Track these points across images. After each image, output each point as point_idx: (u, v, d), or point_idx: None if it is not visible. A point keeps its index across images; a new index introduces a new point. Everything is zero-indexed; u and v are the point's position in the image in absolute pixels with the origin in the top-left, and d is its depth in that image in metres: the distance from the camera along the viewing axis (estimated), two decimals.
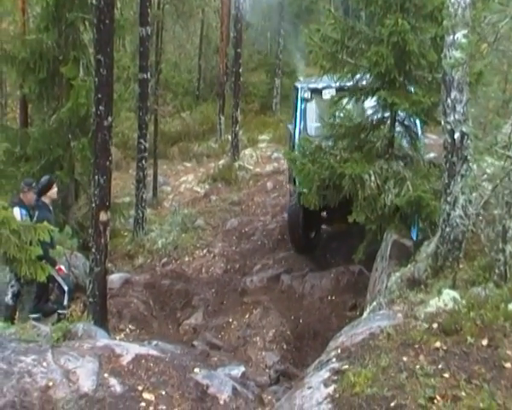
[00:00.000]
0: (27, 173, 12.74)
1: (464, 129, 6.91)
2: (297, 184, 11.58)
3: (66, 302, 9.47)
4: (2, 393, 5.33)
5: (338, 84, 11.36)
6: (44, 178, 10.22)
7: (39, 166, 12.99)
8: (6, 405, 5.24)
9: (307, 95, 12.51)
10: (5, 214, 8.02)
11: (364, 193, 9.32)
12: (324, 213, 12.34)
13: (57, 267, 9.53)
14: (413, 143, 10.16)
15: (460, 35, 6.80)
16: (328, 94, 11.72)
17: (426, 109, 9.37)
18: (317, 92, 12.29)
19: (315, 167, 9.80)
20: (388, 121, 10.07)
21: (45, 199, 9.74)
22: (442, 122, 7.15)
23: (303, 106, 12.58)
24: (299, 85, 13.17)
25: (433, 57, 9.17)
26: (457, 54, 6.77)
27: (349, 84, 10.88)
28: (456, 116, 6.93)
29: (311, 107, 12.61)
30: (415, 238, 9.77)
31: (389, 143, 9.91)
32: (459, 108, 6.94)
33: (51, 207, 9.98)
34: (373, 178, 9.36)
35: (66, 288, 9.58)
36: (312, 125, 12.43)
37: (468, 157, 6.93)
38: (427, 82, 9.67)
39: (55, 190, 10.11)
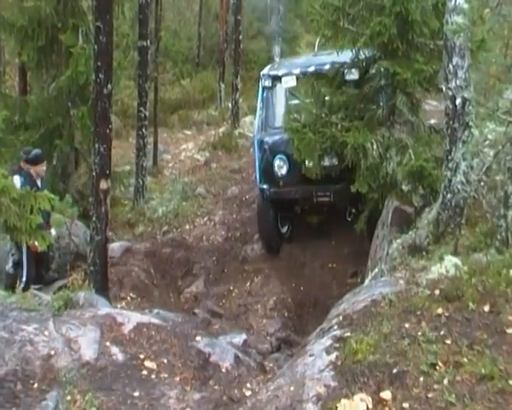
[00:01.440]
0: (27, 142, 12.67)
1: (466, 95, 6.86)
2: (258, 179, 11.45)
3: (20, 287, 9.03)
4: (4, 361, 5.35)
5: (300, 70, 11.22)
6: (35, 152, 10.16)
7: (39, 134, 12.94)
8: (8, 373, 5.27)
9: (268, 83, 11.74)
10: (5, 183, 7.98)
11: (367, 162, 9.28)
12: (297, 207, 11.63)
13: (30, 243, 9.40)
14: (414, 110, 10.08)
15: (462, 0, 6.72)
16: (287, 82, 11.25)
17: (428, 77, 9.29)
18: (278, 79, 11.60)
19: (316, 137, 9.72)
20: (389, 89, 9.97)
21: (32, 171, 9.73)
22: (443, 88, 7.10)
23: (264, 95, 11.84)
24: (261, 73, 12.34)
25: (435, 24, 9.06)
26: (459, 19, 6.70)
27: (311, 69, 10.86)
28: (458, 82, 6.87)
29: (273, 95, 11.90)
30: None
31: (390, 111, 9.83)
32: (461, 73, 6.87)
33: (39, 182, 9.87)
34: (375, 146, 9.32)
35: (24, 277, 9.53)
36: (275, 115, 11.77)
37: (470, 123, 6.88)
38: (429, 49, 9.56)
39: (43, 167, 10.11)
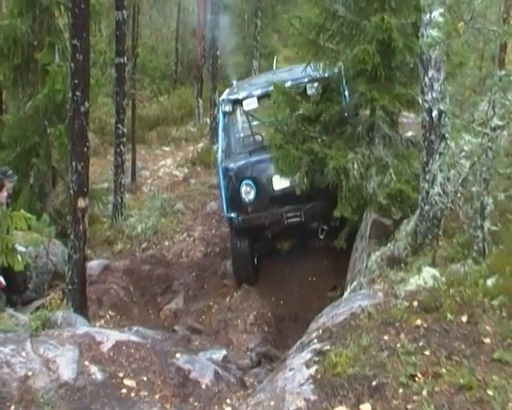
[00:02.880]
0: (3, 161, 12.60)
1: (442, 107, 6.92)
2: (225, 208, 11.11)
3: None
4: None
5: (260, 91, 11.05)
6: None
7: (15, 153, 12.89)
8: None
9: (229, 108, 11.37)
10: None
11: (349, 184, 9.25)
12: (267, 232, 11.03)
13: None
14: (393, 125, 10.12)
15: (436, 14, 6.79)
16: (248, 105, 11.04)
17: (409, 100, 9.31)
18: (238, 103, 11.35)
19: (299, 153, 9.67)
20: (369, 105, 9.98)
21: None
22: (420, 100, 7.16)
23: (226, 120, 11.48)
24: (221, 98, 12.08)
25: (415, 44, 9.08)
26: (434, 32, 6.76)
27: (271, 88, 10.46)
28: (434, 94, 6.94)
29: (235, 120, 11.75)
30: None
31: (369, 128, 9.83)
32: (436, 86, 6.94)
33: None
34: (356, 166, 9.28)
35: None
36: (238, 140, 11.62)
37: (446, 135, 6.94)
38: (409, 68, 9.60)
39: (4, 194, 9.68)
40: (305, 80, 10.23)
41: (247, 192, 10.59)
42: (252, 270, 11.29)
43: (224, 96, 11.87)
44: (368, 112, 9.78)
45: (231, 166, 10.95)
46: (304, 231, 10.78)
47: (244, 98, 11.08)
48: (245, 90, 11.57)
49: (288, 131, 10.01)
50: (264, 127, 11.47)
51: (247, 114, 11.53)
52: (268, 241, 11.36)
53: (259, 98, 11.03)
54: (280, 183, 10.32)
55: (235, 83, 12.89)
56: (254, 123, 11.87)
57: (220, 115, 11.60)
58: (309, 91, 10.19)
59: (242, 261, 11.18)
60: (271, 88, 10.45)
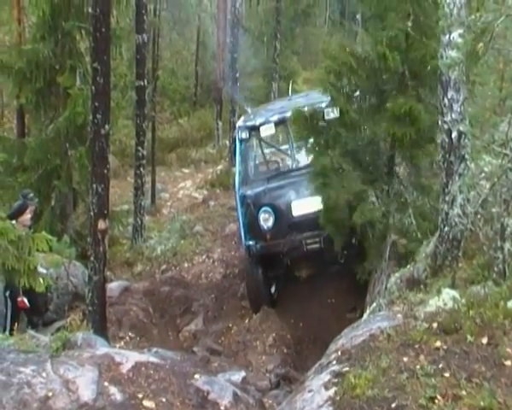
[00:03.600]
0: (25, 183, 12.74)
1: (461, 128, 6.91)
2: (243, 236, 10.95)
3: None
4: (1, 405, 5.30)
5: (277, 116, 10.98)
6: (17, 203, 10.10)
7: (37, 175, 13.01)
8: None
9: (245, 134, 11.21)
10: (3, 225, 8.01)
11: (374, 239, 9.09)
12: (287, 262, 11.10)
13: (19, 299, 9.40)
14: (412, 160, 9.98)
15: (456, 34, 6.81)
16: (265, 131, 10.94)
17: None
18: (255, 130, 11.22)
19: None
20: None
21: (17, 225, 9.32)
22: (439, 122, 7.15)
23: (242, 147, 11.37)
24: (237, 125, 11.96)
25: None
26: (453, 53, 6.78)
27: (289, 114, 10.35)
28: (454, 115, 6.94)
29: (252, 146, 11.68)
30: None
31: (389, 160, 9.69)
32: (456, 107, 6.94)
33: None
34: (377, 214, 9.01)
35: (8, 326, 9.28)
36: (256, 166, 11.56)
37: (466, 156, 6.93)
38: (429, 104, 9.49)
39: (28, 216, 9.92)
40: (323, 105, 10.10)
41: (266, 219, 10.49)
42: (267, 299, 11.09)
43: (239, 122, 11.83)
44: (387, 145, 9.68)
45: (249, 193, 10.86)
46: (323, 256, 10.64)
47: (261, 124, 11.00)
48: (261, 116, 11.49)
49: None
50: (280, 153, 11.61)
51: (263, 140, 11.51)
52: (285, 269, 11.24)
53: (276, 124, 10.96)
54: (299, 209, 10.29)
55: (249, 110, 12.87)
56: (271, 149, 11.98)
57: (237, 142, 11.45)
58: (326, 116, 9.99)
59: (257, 291, 11.04)
60: (288, 114, 10.43)
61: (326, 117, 9.97)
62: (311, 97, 11.12)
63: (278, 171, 11.30)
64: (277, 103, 12.81)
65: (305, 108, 10.20)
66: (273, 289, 11.38)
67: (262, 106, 14.32)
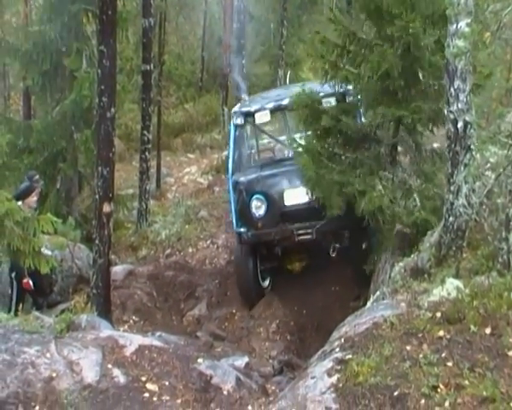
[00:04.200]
0: (30, 165, 12.80)
1: (467, 118, 6.88)
2: (234, 222, 10.84)
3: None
4: (5, 384, 5.36)
5: (273, 104, 10.83)
6: (24, 185, 10.12)
7: (42, 158, 13.09)
8: (9, 396, 5.29)
9: (240, 120, 11.07)
10: (9, 206, 8.05)
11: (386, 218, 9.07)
12: (277, 249, 10.79)
13: (25, 281, 9.45)
14: (416, 143, 9.98)
15: (463, 24, 6.76)
16: (261, 117, 10.80)
17: (430, 116, 9.18)
18: (250, 116, 11.03)
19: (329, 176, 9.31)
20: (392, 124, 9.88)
21: (23, 206, 9.41)
22: (445, 112, 7.13)
23: (237, 133, 11.15)
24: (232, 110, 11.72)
25: (440, 62, 8.99)
26: (460, 43, 6.73)
27: (285, 102, 10.45)
28: (460, 105, 6.90)
29: (247, 133, 11.33)
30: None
31: (392, 147, 9.71)
32: (462, 97, 6.91)
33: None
34: (385, 200, 9.00)
35: (13, 307, 9.35)
36: (250, 153, 11.30)
37: (472, 146, 6.90)
38: (433, 90, 9.49)
39: (34, 198, 9.94)
40: (321, 95, 10.02)
41: (258, 207, 10.31)
42: (257, 292, 10.89)
43: (235, 108, 11.64)
44: (390, 131, 9.67)
45: (242, 179, 10.71)
46: (314, 248, 10.55)
47: (256, 111, 10.89)
48: (257, 103, 11.37)
49: (313, 148, 9.85)
50: (275, 141, 11.37)
51: (258, 127, 11.24)
52: (278, 261, 11.04)
53: (272, 111, 10.84)
54: (291, 198, 10.13)
55: (246, 98, 12.79)
56: (266, 136, 11.69)
57: (231, 127, 11.32)
58: (324, 105, 9.99)
59: (248, 284, 10.85)
60: (285, 102, 10.45)
61: (324, 105, 9.95)
62: (309, 87, 10.80)
63: (272, 159, 11.13)
64: (274, 91, 12.59)
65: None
66: (266, 283, 11.14)
67: (259, 93, 14.10)
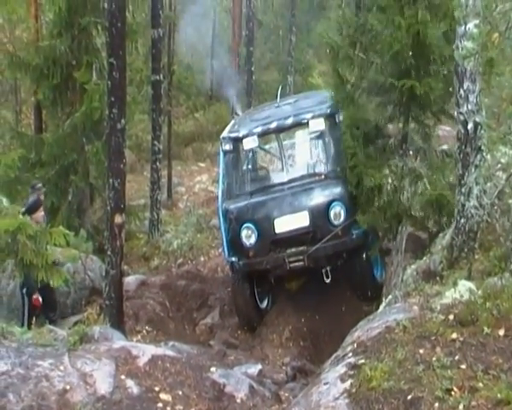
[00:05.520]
0: (43, 179, 12.83)
1: (477, 119, 6.88)
2: (225, 251, 10.51)
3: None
4: (20, 397, 5.36)
5: (261, 128, 10.39)
6: (32, 199, 10.14)
7: (54, 171, 13.10)
8: (24, 409, 5.27)
9: (229, 146, 10.59)
10: (21, 220, 8.10)
11: (380, 201, 9.15)
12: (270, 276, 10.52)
13: (34, 297, 9.45)
14: (426, 137, 10.00)
15: (471, 25, 6.77)
16: (248, 143, 10.31)
17: (438, 100, 9.24)
18: (238, 141, 10.53)
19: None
20: (402, 116, 9.92)
21: (31, 221, 9.21)
22: (455, 113, 7.12)
23: (226, 159, 10.75)
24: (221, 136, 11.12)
25: (448, 51, 9.03)
26: (469, 44, 6.74)
27: (273, 126, 10.27)
28: (469, 106, 6.90)
29: (236, 159, 10.83)
30: (379, 277, 9.78)
31: (403, 139, 9.77)
32: (472, 98, 6.91)
33: None
34: (390, 180, 9.16)
35: (25, 322, 9.28)
36: (239, 180, 10.75)
37: (482, 147, 6.89)
38: (442, 76, 9.53)
39: (41, 213, 9.94)
40: (307, 116, 9.97)
41: (248, 236, 10.00)
42: (256, 314, 10.63)
43: (224, 133, 11.10)
44: (400, 124, 9.71)
45: (231, 207, 10.34)
46: (308, 272, 10.35)
47: (244, 137, 10.40)
48: (245, 126, 10.82)
49: None
50: (265, 166, 11.13)
51: (247, 152, 10.92)
52: (274, 283, 10.77)
53: (260, 136, 10.42)
54: (282, 225, 9.85)
55: (240, 113, 12.45)
56: (256, 162, 11.40)
57: (220, 153, 10.92)
58: (312, 128, 9.90)
59: (245, 307, 10.59)
60: (272, 125, 10.27)
61: (311, 129, 9.92)
62: (300, 105, 10.80)
63: (263, 185, 10.66)
64: (264, 111, 11.77)
65: (290, 119, 10.23)
66: (264, 304, 10.89)
67: (250, 111, 13.65)
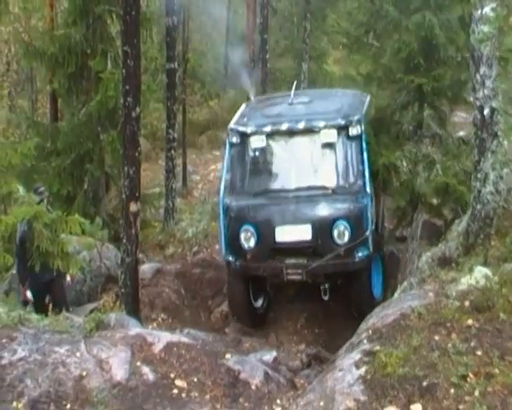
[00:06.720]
0: (58, 168, 12.91)
1: (494, 104, 6.83)
2: (223, 248, 10.01)
3: None
4: (37, 383, 5.42)
5: (270, 127, 9.81)
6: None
7: (70, 160, 13.13)
8: (41, 395, 5.34)
9: (236, 139, 10.02)
10: (37, 209, 8.16)
11: (400, 178, 9.11)
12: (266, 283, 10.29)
13: (23, 290, 9.04)
14: (442, 123, 9.95)
15: (488, 9, 6.70)
16: (256, 142, 9.79)
17: (452, 86, 9.24)
18: (246, 136, 9.95)
19: None
20: (416, 102, 9.90)
21: None
22: (471, 98, 7.07)
23: (232, 152, 10.13)
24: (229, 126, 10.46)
25: (462, 37, 9.00)
26: (485, 28, 6.68)
27: (284, 127, 9.71)
28: (486, 92, 6.84)
29: (242, 154, 10.06)
30: (377, 296, 9.46)
31: (417, 125, 9.74)
32: (488, 83, 6.85)
33: None
34: (404, 163, 9.16)
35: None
36: (244, 177, 10.03)
37: (498, 133, 6.84)
38: (456, 62, 9.50)
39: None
40: (320, 125, 9.49)
41: (247, 238, 9.56)
42: (249, 313, 10.35)
43: (232, 123, 10.47)
44: (415, 111, 9.69)
45: (233, 204, 9.83)
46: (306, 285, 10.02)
47: (252, 134, 9.87)
48: (254, 121, 10.25)
49: None
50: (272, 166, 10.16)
51: (254, 149, 10.05)
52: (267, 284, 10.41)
53: (268, 136, 9.80)
54: (283, 235, 9.43)
55: (252, 98, 12.06)
56: (262, 161, 10.23)
57: (227, 145, 10.30)
58: (323, 140, 9.44)
59: (240, 305, 10.30)
60: (283, 127, 9.73)
61: (322, 140, 9.45)
62: (315, 106, 10.26)
63: (267, 187, 9.93)
64: (276, 105, 11.16)
65: (301, 124, 9.68)
66: (259, 303, 10.57)
67: (262, 99, 13.09)
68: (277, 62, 26.27)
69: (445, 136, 9.75)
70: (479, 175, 6.90)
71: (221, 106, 25.71)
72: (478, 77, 6.87)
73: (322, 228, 9.21)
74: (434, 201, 9.06)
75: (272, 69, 22.58)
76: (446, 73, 9.05)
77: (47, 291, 8.97)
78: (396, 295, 7.21)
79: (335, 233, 9.14)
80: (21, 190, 9.25)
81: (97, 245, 11.06)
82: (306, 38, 23.68)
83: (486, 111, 6.83)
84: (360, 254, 9.19)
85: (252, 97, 12.11)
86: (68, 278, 9.21)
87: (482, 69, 6.84)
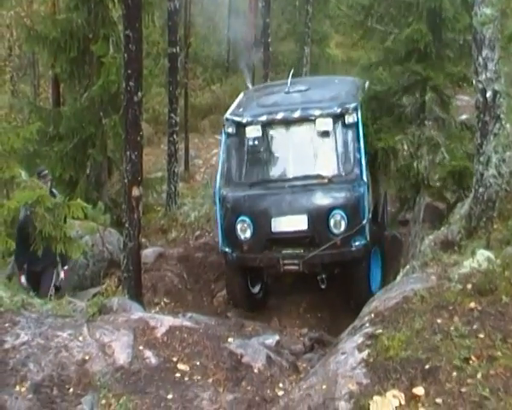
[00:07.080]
0: (61, 152, 12.91)
1: (496, 87, 6.79)
2: (219, 239, 10.08)
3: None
4: (40, 367, 5.44)
5: (266, 117, 9.75)
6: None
7: (72, 144, 13.14)
8: (44, 379, 5.36)
9: (232, 129, 9.95)
10: (40, 193, 8.16)
11: (397, 164, 9.09)
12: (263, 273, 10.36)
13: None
14: (445, 106, 9.90)
15: None
16: (251, 132, 9.66)
17: (461, 78, 9.19)
18: (242, 126, 9.86)
19: None
20: (419, 85, 9.85)
21: None
22: (474, 81, 7.04)
23: (228, 142, 10.10)
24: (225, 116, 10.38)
25: (465, 19, 8.95)
26: (488, 10, 6.64)
27: (279, 116, 9.65)
28: (488, 74, 6.81)
29: (238, 144, 9.98)
30: (375, 290, 9.39)
31: (420, 108, 9.69)
32: (491, 66, 6.81)
33: None
34: (405, 147, 9.11)
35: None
36: (240, 167, 9.96)
37: (501, 116, 6.82)
38: (458, 45, 9.46)
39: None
40: (315, 113, 9.43)
41: (243, 230, 9.53)
42: (247, 298, 10.41)
43: (228, 113, 10.43)
44: (417, 94, 9.63)
45: (229, 195, 9.81)
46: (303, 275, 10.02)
47: (248, 124, 9.79)
48: (250, 111, 10.21)
49: None
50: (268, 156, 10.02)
51: (250, 140, 9.94)
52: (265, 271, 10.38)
53: (264, 126, 9.72)
54: (279, 225, 9.39)
55: (250, 86, 12.15)
56: (258, 151, 10.14)
57: (223, 135, 10.31)
58: (318, 128, 9.37)
59: (237, 291, 10.38)
60: (278, 116, 9.67)
61: (318, 129, 9.38)
62: (311, 95, 10.20)
63: (263, 177, 9.85)
64: (273, 94, 11.09)
65: (297, 113, 9.61)
66: (256, 289, 10.62)
67: (260, 88, 13.04)
68: (279, 46, 26.19)
69: (447, 119, 9.71)
70: (481, 158, 6.88)
71: (223, 90, 25.63)
72: (480, 59, 6.83)
73: (319, 218, 9.18)
74: (437, 184, 9.03)
75: (274, 53, 22.50)
76: (457, 66, 8.97)
77: (39, 279, 8.97)
78: (398, 278, 7.21)
79: (332, 223, 9.13)
80: (24, 174, 9.22)
81: (100, 230, 11.07)
82: (308, 21, 23.54)
83: (489, 94, 6.80)
84: (357, 244, 9.18)
85: (249, 86, 12.04)
86: (62, 275, 9.17)
87: (485, 52, 6.80)
